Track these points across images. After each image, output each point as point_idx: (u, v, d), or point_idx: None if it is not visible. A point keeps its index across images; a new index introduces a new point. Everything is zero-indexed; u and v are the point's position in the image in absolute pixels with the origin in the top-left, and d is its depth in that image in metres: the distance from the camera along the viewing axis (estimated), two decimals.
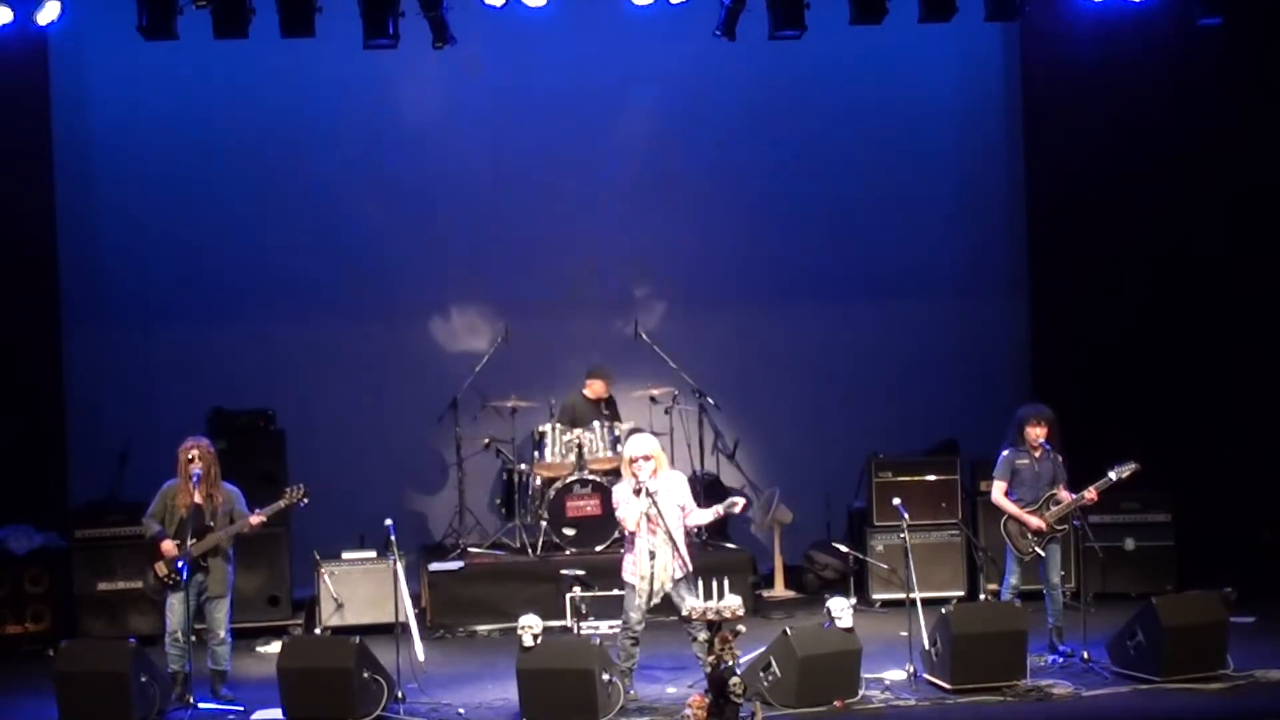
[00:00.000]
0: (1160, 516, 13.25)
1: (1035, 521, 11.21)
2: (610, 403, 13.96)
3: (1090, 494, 11.09)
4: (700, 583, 10.10)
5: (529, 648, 10.17)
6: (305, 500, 10.84)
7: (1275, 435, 13.78)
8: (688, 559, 10.31)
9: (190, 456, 10.58)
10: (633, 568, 10.39)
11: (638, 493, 10.26)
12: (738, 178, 14.81)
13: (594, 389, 13.88)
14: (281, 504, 10.80)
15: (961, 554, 13.18)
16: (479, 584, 13.04)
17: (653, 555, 10.27)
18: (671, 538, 10.21)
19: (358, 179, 14.47)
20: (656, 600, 10.37)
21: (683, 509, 10.44)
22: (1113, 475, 11.09)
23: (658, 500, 10.23)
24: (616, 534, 12.76)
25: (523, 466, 13.62)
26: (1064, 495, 11.22)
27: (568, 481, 13.23)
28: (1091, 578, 12.08)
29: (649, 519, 10.26)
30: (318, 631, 12.46)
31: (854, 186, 14.84)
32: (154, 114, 14.15)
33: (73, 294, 14.01)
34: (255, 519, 10.68)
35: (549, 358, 14.29)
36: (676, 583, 10.28)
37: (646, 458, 10.31)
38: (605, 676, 10.06)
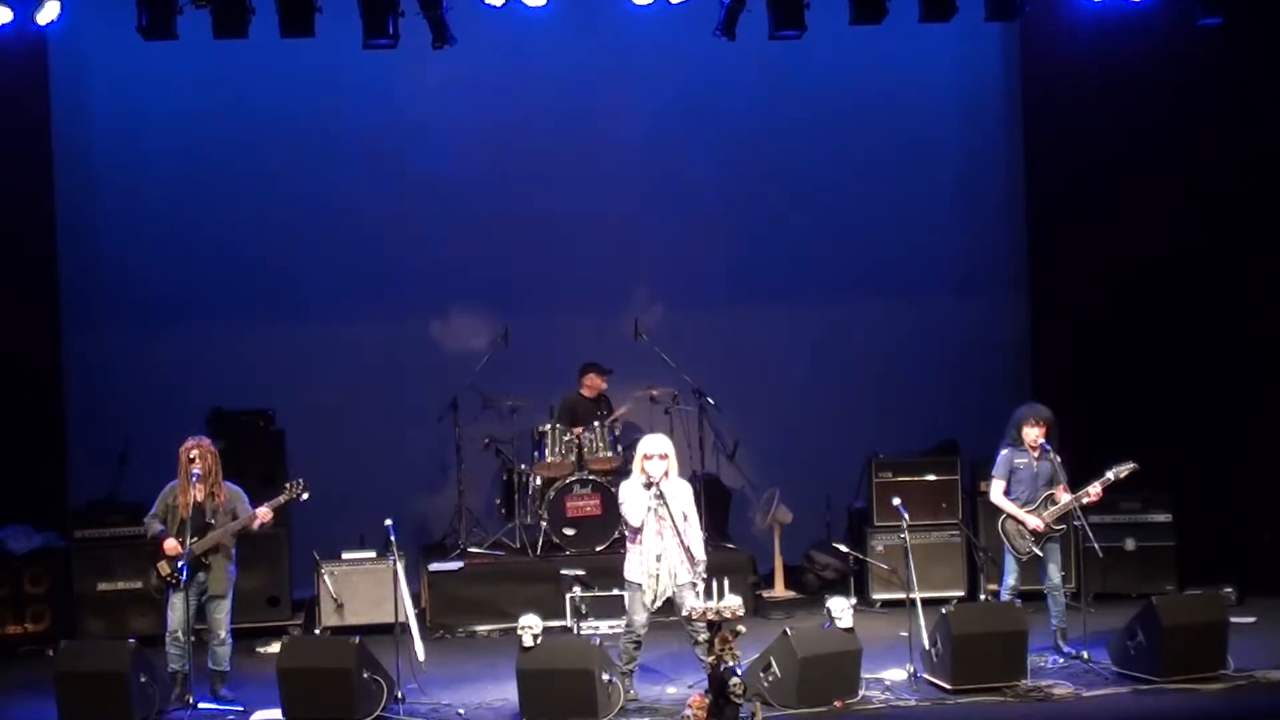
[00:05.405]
0: (1160, 516, 13.26)
1: (1034, 521, 11.19)
2: (605, 399, 13.96)
3: (1095, 490, 11.06)
4: (701, 584, 10.10)
5: (529, 648, 10.17)
6: (306, 495, 10.82)
7: (1275, 435, 13.77)
8: (694, 562, 10.24)
9: (192, 456, 10.59)
10: (639, 567, 10.34)
11: (648, 487, 10.22)
12: (737, 177, 14.80)
13: (591, 385, 13.88)
14: (282, 499, 10.79)
15: (961, 554, 13.19)
16: (479, 584, 13.05)
17: (659, 558, 10.24)
18: (681, 540, 10.17)
19: (357, 179, 14.43)
20: (660, 604, 10.34)
21: (685, 517, 10.35)
22: (1111, 475, 11.09)
23: (668, 501, 10.20)
24: (616, 534, 12.77)
25: (523, 466, 13.62)
26: (1062, 496, 11.20)
27: (568, 481, 13.23)
28: (1091, 578, 12.08)
29: (658, 518, 10.22)
30: (318, 631, 12.46)
31: (854, 186, 14.83)
32: (154, 114, 14.15)
33: (73, 294, 14.00)
34: (261, 513, 10.65)
35: (549, 358, 14.27)
36: (681, 586, 10.24)
37: (663, 456, 10.29)
38: (605, 676, 10.06)
